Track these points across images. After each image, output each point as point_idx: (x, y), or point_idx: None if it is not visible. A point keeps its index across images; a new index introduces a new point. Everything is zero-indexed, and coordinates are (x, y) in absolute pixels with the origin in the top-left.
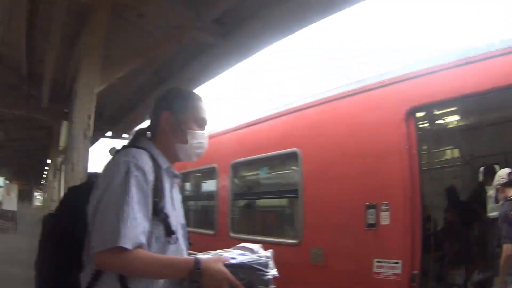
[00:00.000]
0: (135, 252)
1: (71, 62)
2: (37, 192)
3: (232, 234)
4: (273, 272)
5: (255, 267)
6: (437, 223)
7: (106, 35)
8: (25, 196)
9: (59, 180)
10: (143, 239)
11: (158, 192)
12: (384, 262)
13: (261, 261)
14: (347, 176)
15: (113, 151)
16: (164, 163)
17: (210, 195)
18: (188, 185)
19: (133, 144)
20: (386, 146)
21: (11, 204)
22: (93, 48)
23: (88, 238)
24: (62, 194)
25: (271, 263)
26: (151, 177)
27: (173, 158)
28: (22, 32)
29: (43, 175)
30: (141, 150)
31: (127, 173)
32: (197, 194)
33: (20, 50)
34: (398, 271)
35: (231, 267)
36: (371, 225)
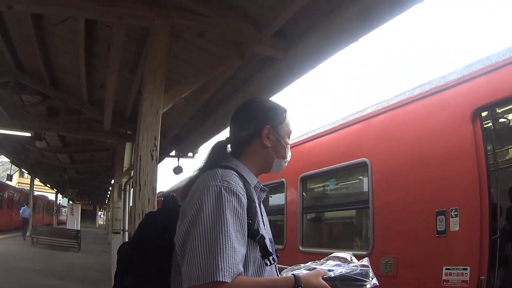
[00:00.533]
0: (233, 283)
1: (132, 85)
2: (101, 211)
3: (301, 248)
4: (373, 281)
5: (355, 278)
6: (505, 226)
7: (167, 56)
8: (88, 216)
9: (124, 200)
10: (241, 267)
11: (251, 213)
12: (453, 269)
13: (359, 271)
14: (416, 183)
15: (179, 170)
16: (252, 180)
17: (279, 209)
18: None
19: (216, 162)
20: (453, 149)
21: (74, 223)
22: (156, 70)
23: (174, 268)
24: (127, 213)
25: (370, 272)
26: (244, 199)
27: (261, 172)
28: (81, 59)
29: (107, 195)
30: (228, 170)
31: (219, 199)
32: (267, 209)
33: (80, 76)
34: (466, 278)
35: (331, 280)
36: (441, 232)
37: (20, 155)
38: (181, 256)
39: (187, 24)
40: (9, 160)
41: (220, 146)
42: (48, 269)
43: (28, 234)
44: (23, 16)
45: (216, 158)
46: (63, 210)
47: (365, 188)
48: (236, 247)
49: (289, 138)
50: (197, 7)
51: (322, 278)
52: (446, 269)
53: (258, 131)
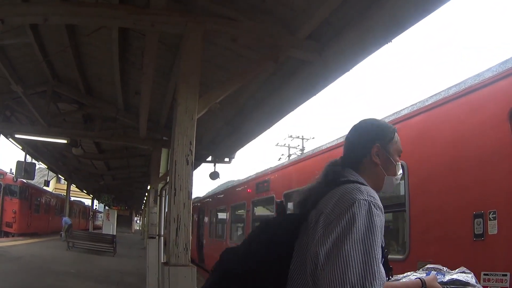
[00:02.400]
0: None
1: (167, 91)
2: (137, 217)
3: None
4: (478, 285)
5: (464, 282)
6: None
7: (201, 62)
8: (124, 221)
9: (159, 206)
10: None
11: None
12: (492, 275)
13: (464, 277)
14: (453, 185)
15: (215, 176)
16: None
17: None
18: (291, 205)
19: (340, 177)
20: (490, 150)
21: (110, 228)
22: (189, 75)
23: (297, 276)
24: (163, 219)
25: (474, 278)
26: (383, 215)
27: (376, 190)
28: (115, 67)
29: (143, 201)
30: (368, 187)
31: (369, 212)
32: None
33: (115, 84)
34: (506, 285)
35: (443, 284)
36: (479, 236)
37: (58, 161)
38: (323, 263)
39: (220, 29)
40: (47, 167)
41: (335, 163)
42: (83, 273)
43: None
44: (58, 27)
45: (337, 174)
46: (99, 215)
47: (402, 191)
48: (380, 259)
49: (399, 156)
50: (229, 12)
51: (438, 283)
52: (484, 274)
53: (369, 149)
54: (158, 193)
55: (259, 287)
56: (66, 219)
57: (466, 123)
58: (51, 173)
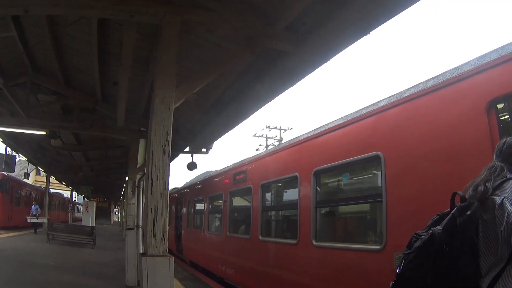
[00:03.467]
0: None
1: (145, 82)
2: (115, 208)
3: (315, 243)
4: None
5: None
6: None
7: (179, 52)
8: (103, 213)
9: (137, 197)
10: None
11: None
12: None
13: None
14: (430, 176)
15: (193, 166)
16: None
17: (292, 204)
18: (268, 196)
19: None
20: (468, 142)
21: (89, 220)
22: (167, 66)
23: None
24: (141, 210)
25: None
26: None
27: None
28: (94, 58)
29: (121, 192)
30: None
31: None
32: (278, 204)
33: (94, 75)
34: None
35: None
36: None
37: (37, 153)
38: None
39: (198, 20)
40: (26, 159)
41: (495, 165)
42: (63, 265)
43: (40, 230)
44: (39, 18)
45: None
46: (78, 207)
47: (379, 182)
48: None
49: None
50: (207, 3)
51: None
52: None
53: None
54: (136, 184)
55: (463, 258)
56: (34, 207)
57: (444, 116)
58: (31, 165)
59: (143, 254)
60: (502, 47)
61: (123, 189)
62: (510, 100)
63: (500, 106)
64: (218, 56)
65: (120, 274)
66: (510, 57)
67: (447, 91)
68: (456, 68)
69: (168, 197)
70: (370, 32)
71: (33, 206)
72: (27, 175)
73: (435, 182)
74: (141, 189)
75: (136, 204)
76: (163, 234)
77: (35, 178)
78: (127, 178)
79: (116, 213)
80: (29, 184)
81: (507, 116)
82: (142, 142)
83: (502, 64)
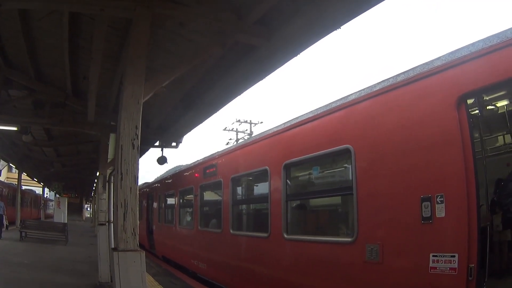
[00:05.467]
0: None
1: (115, 75)
2: (87, 204)
3: (286, 236)
4: None
5: None
6: (494, 213)
7: (149, 46)
8: (75, 209)
9: (108, 192)
10: None
11: None
12: (440, 256)
13: None
14: (401, 169)
15: (163, 161)
16: None
17: (262, 198)
18: (239, 189)
19: None
20: (438, 136)
21: (61, 216)
22: (137, 59)
23: None
24: (112, 205)
25: None
26: None
27: None
28: (65, 52)
29: (93, 188)
30: None
31: None
32: (249, 198)
33: (65, 69)
34: (455, 265)
35: None
36: (427, 219)
37: (9, 150)
38: None
39: (169, 14)
40: None
41: None
42: (37, 263)
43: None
44: (11, 12)
45: None
46: (51, 204)
47: (349, 175)
48: None
49: None
50: None
51: None
52: (433, 255)
53: None
54: (107, 179)
55: None
56: None
57: (414, 110)
58: (2, 162)
59: (114, 249)
60: (473, 44)
61: (94, 185)
62: (480, 96)
63: (470, 101)
64: (189, 50)
65: (93, 271)
66: (480, 54)
67: (418, 86)
68: (427, 63)
69: (139, 192)
70: (341, 27)
71: None
72: None
73: (405, 175)
74: (112, 184)
75: (107, 200)
76: (133, 229)
77: (7, 175)
78: (98, 174)
79: (88, 209)
80: (1, 181)
81: (477, 111)
82: (112, 137)
83: (472, 60)
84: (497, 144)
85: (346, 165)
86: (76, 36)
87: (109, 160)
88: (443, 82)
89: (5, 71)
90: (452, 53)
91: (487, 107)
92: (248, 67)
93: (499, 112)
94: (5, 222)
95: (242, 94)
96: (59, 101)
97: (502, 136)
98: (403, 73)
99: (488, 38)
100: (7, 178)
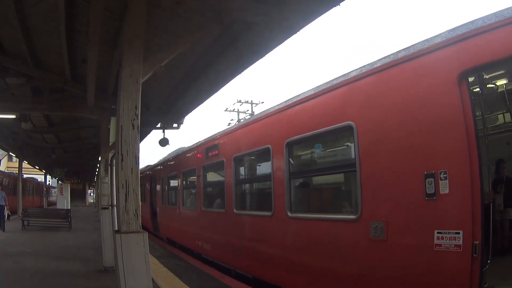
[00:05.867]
0: None
1: (113, 59)
2: (90, 189)
3: (290, 214)
4: None
5: None
6: (498, 190)
7: (146, 26)
8: (78, 194)
9: (110, 175)
10: None
11: None
12: (445, 233)
13: None
14: (404, 146)
15: (164, 142)
16: None
17: (265, 176)
18: (241, 169)
19: None
20: (440, 112)
21: (64, 202)
22: (134, 39)
23: None
24: (114, 188)
25: None
26: None
27: None
28: (62, 37)
29: (95, 173)
30: None
31: None
32: (252, 177)
33: (62, 54)
34: (459, 242)
35: None
36: (431, 195)
37: (8, 139)
38: None
39: None
40: None
41: None
42: (40, 251)
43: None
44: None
45: None
46: (53, 191)
47: (352, 152)
48: None
49: None
50: None
51: None
52: (437, 233)
53: None
54: (109, 162)
55: None
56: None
57: (416, 86)
58: (2, 151)
59: (117, 232)
60: (472, 22)
61: (97, 169)
62: (480, 73)
63: (470, 79)
64: (186, 29)
65: (98, 256)
66: (480, 31)
67: (419, 62)
68: (427, 40)
69: (141, 174)
70: (340, 4)
71: None
72: None
73: (408, 151)
74: (114, 167)
75: (109, 183)
76: (135, 210)
77: (7, 164)
78: (99, 158)
79: (91, 194)
80: (1, 171)
81: (477, 89)
82: (113, 120)
83: (472, 38)
84: (497, 123)
85: (348, 142)
86: (73, 20)
87: (110, 144)
88: (444, 59)
89: (1, 59)
90: (451, 30)
91: (488, 85)
92: (245, 46)
93: (498, 90)
94: (7, 213)
95: (242, 73)
96: (58, 86)
97: (502, 114)
98: (404, 49)
99: (487, 17)
100: (7, 167)
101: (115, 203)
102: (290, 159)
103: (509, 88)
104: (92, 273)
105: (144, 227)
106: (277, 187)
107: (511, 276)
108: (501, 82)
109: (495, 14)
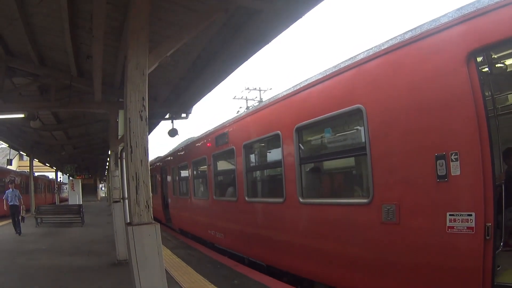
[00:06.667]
0: None
1: (119, 52)
2: (101, 184)
3: (302, 200)
4: None
5: None
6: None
7: (150, 17)
8: (89, 189)
9: (120, 168)
10: None
11: None
12: (457, 215)
13: None
14: (413, 128)
15: (174, 133)
16: None
17: (276, 163)
18: (252, 156)
19: None
20: (449, 94)
21: (76, 198)
22: (139, 31)
23: None
24: (125, 181)
25: None
26: None
27: None
28: (66, 34)
29: (105, 167)
30: None
31: None
32: (262, 164)
33: (67, 51)
34: (472, 224)
35: None
36: (442, 177)
37: (18, 138)
38: None
39: None
40: (7, 145)
41: None
42: (54, 247)
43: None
44: (5, 0)
45: None
46: (65, 187)
47: (362, 135)
48: None
49: None
50: None
51: None
52: (450, 215)
53: None
54: (119, 155)
55: None
56: (11, 192)
57: (424, 67)
58: (13, 151)
59: (129, 224)
60: (478, 1)
61: (107, 164)
62: (489, 53)
63: (479, 59)
64: (191, 19)
65: (111, 249)
66: (487, 10)
67: (426, 43)
68: (433, 20)
69: (151, 166)
70: None
71: (7, 191)
72: (9, 162)
73: (418, 133)
74: (124, 160)
75: (120, 176)
76: (146, 201)
77: (19, 163)
78: (109, 152)
79: (103, 188)
80: (13, 170)
81: (486, 69)
82: (121, 113)
83: (479, 16)
84: (507, 103)
85: (358, 125)
86: (76, 16)
87: (119, 137)
88: (451, 39)
89: (7, 60)
90: (458, 9)
91: (496, 65)
92: (252, 32)
93: (508, 70)
94: (22, 213)
95: (248, 60)
96: (64, 83)
97: None
98: (411, 30)
99: None
100: (19, 166)
101: (126, 196)
102: (300, 145)
103: None
104: (106, 267)
105: (157, 219)
106: (288, 173)
107: None
108: (511, 61)
109: None
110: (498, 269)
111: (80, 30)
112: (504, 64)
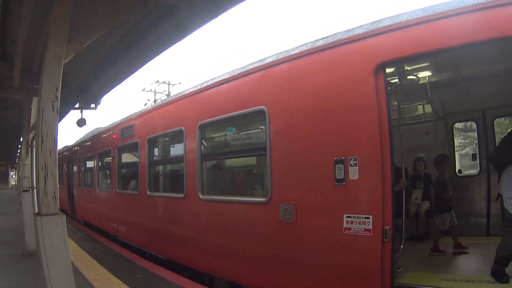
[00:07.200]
0: None
1: (41, 39)
2: (12, 171)
3: (201, 196)
4: None
5: None
6: (410, 177)
7: (73, 7)
8: (1, 177)
9: (31, 157)
10: None
11: None
12: (354, 217)
13: None
14: (315, 132)
15: (82, 123)
16: None
17: (178, 158)
18: (155, 150)
19: None
20: (354, 102)
21: None
22: (60, 21)
23: None
24: (34, 170)
25: None
26: None
27: None
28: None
29: (17, 154)
30: None
31: None
32: (165, 158)
33: None
34: (369, 227)
35: None
36: (340, 180)
37: None
38: None
39: None
40: None
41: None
42: None
43: None
44: None
45: None
46: None
47: (263, 136)
48: None
49: None
50: None
51: None
52: (347, 217)
53: None
54: (29, 143)
55: None
56: None
57: (331, 75)
58: None
59: (37, 214)
60: (397, 16)
61: (18, 151)
62: (400, 65)
63: (389, 70)
64: (111, 10)
65: (21, 238)
66: (402, 25)
67: (337, 52)
68: (348, 31)
69: (59, 156)
70: None
71: None
72: None
73: (319, 137)
74: (34, 148)
75: (30, 165)
76: (54, 192)
77: None
78: (21, 139)
79: (14, 176)
80: None
81: (396, 80)
82: (35, 100)
83: (393, 31)
84: (417, 113)
85: (260, 126)
86: (10, 1)
87: (31, 124)
88: (361, 50)
89: None
90: (374, 22)
91: (408, 77)
92: (167, 28)
93: (420, 82)
94: None
95: (160, 55)
96: None
97: (422, 105)
98: (322, 38)
99: (410, 12)
100: None
101: (35, 185)
102: (203, 141)
103: (431, 80)
104: (16, 256)
105: (62, 210)
106: (189, 169)
107: (425, 260)
108: (424, 74)
109: (422, 9)
110: (399, 270)
111: (10, 14)
112: (417, 76)
